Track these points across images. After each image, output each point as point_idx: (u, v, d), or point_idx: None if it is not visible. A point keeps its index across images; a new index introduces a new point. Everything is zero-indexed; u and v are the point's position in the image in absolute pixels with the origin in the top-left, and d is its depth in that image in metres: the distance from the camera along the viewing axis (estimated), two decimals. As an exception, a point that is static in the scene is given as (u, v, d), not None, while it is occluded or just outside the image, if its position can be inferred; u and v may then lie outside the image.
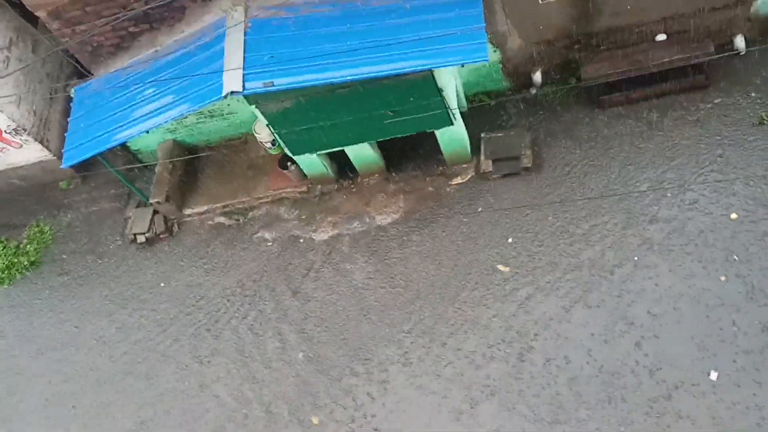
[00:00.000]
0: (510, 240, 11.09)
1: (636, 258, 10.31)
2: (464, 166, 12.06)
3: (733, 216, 10.20)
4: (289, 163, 12.34)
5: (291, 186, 12.77)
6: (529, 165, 11.56)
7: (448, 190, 11.94)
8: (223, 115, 12.89)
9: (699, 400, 9.10)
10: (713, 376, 9.18)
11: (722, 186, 10.47)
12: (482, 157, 11.79)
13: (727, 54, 11.15)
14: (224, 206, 13.14)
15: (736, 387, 9.07)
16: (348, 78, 9.79)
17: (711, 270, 9.90)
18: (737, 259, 9.87)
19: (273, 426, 10.69)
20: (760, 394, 8.94)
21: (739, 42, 11.25)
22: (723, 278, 9.79)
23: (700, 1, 10.79)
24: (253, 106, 10.68)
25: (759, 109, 10.96)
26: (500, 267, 10.89)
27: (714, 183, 10.53)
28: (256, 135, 12.33)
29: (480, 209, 11.52)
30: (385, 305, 11.18)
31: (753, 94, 11.13)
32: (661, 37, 11.29)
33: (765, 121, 10.82)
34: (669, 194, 10.67)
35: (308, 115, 10.79)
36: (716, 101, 11.25)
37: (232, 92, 9.96)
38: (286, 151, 11.76)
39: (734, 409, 8.95)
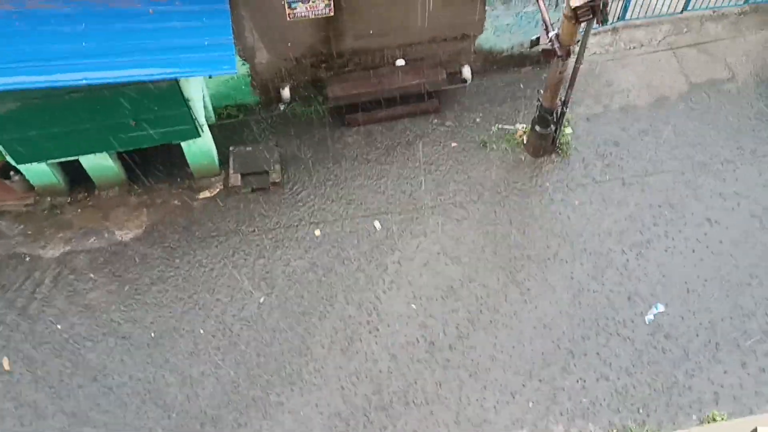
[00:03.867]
0: (252, 260, 11.07)
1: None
2: (212, 179, 11.77)
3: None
4: (12, 173, 11.05)
5: (14, 198, 11.43)
6: (278, 180, 11.64)
7: (194, 204, 11.55)
8: (-72, 114, 11.16)
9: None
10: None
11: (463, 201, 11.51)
12: (231, 171, 11.61)
13: (456, 82, 12.32)
14: (-71, 220, 11.37)
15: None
16: (83, 82, 9.01)
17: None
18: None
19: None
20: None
21: (466, 72, 12.49)
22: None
23: (432, 33, 11.77)
24: (-32, 106, 9.41)
25: (482, 133, 12.20)
26: (251, 289, 10.82)
27: (453, 200, 11.53)
28: (-30, 140, 10.86)
29: (226, 226, 11.35)
30: (123, 325, 10.49)
31: (478, 120, 12.37)
32: (401, 62, 12.10)
33: (487, 144, 12.07)
34: (398, 213, 11.45)
35: (36, 121, 9.77)
36: (448, 124, 12.32)
37: (-60, 90, 8.67)
38: (9, 159, 10.52)
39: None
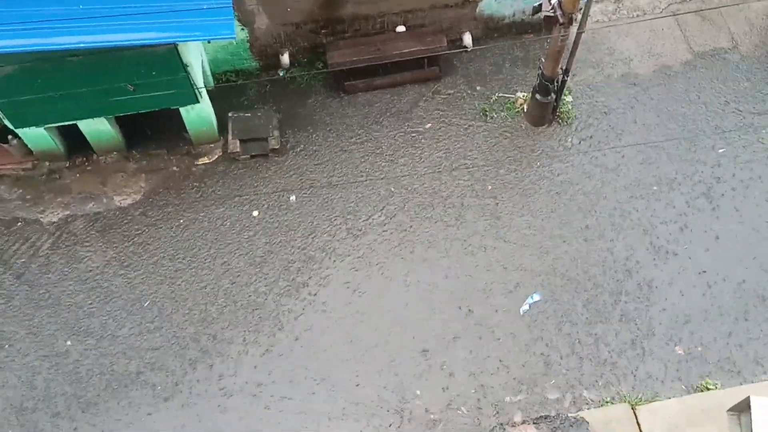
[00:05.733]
0: (256, 217, 11.08)
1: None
2: (211, 145, 11.73)
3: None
4: (9, 137, 10.99)
5: (12, 162, 11.40)
6: (277, 146, 11.60)
7: (193, 170, 11.53)
8: (-77, 77, 11.07)
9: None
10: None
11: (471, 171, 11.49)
12: (230, 137, 11.56)
13: (457, 49, 12.21)
14: (-73, 184, 11.35)
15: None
16: (80, 46, 8.94)
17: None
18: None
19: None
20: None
21: (467, 39, 12.36)
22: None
23: (433, -1, 11.64)
24: (-36, 69, 9.34)
25: (482, 101, 12.12)
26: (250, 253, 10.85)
27: (452, 167, 11.50)
28: (-33, 103, 10.79)
29: (226, 192, 11.33)
30: (122, 292, 10.55)
31: (478, 88, 12.28)
32: (401, 28, 11.97)
33: (487, 112, 12.01)
34: (403, 179, 11.44)
35: (33, 84, 9.69)
36: (448, 92, 12.22)
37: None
38: (6, 123, 10.46)
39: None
